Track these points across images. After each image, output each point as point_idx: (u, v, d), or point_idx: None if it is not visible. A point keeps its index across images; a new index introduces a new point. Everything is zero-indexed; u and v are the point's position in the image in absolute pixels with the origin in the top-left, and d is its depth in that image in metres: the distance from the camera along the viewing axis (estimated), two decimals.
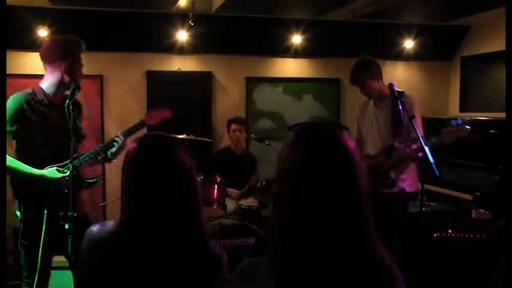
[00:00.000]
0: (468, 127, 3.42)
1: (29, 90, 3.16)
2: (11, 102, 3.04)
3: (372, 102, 4.17)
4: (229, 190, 4.95)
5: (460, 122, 3.47)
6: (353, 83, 4.11)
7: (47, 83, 3.19)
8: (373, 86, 4.01)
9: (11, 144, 3.06)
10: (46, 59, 3.19)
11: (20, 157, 3.04)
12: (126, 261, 1.58)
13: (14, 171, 3.02)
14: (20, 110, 3.04)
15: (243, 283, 1.39)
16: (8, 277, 4.70)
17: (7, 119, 2.95)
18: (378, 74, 4.02)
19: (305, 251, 1.28)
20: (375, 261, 1.30)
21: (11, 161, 2.97)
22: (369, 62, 4.05)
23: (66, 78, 3.17)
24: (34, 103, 3.10)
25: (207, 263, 1.62)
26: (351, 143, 1.34)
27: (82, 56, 3.25)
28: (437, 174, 3.19)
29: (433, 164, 3.21)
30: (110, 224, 1.69)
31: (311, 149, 1.32)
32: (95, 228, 1.72)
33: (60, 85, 3.18)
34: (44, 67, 3.23)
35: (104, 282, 1.60)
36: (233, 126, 5.34)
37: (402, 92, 3.97)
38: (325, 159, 1.30)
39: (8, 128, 2.97)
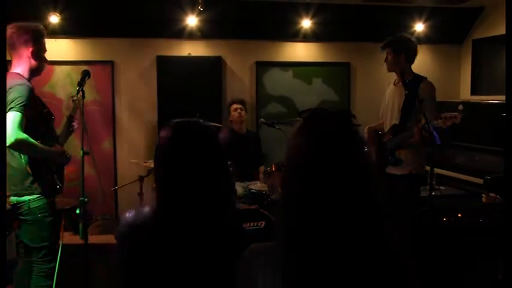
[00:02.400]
0: (462, 114, 3.56)
1: (20, 76, 3.22)
2: (24, 89, 3.09)
3: (393, 81, 4.32)
4: (254, 184, 4.96)
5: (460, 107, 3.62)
6: (381, 49, 4.24)
7: (21, 70, 3.25)
8: (394, 61, 4.13)
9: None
10: (13, 45, 3.24)
11: None
12: (162, 248, 1.59)
13: (36, 149, 3.12)
14: (32, 96, 3.13)
15: (248, 268, 1.40)
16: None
17: (26, 103, 3.03)
18: (403, 53, 4.11)
19: (312, 238, 1.28)
20: (386, 248, 1.31)
21: (31, 139, 3.07)
22: (401, 39, 4.18)
23: (34, 63, 3.26)
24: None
25: (241, 247, 1.61)
26: (357, 129, 1.35)
27: (45, 42, 3.36)
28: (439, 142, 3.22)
29: (437, 137, 3.24)
30: (145, 210, 1.69)
31: (319, 135, 1.32)
32: (130, 214, 1.73)
33: (30, 71, 3.27)
34: (10, 54, 3.27)
35: (140, 267, 1.62)
36: (234, 106, 5.43)
37: (422, 77, 4.04)
38: (333, 145, 1.30)
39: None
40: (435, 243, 3.86)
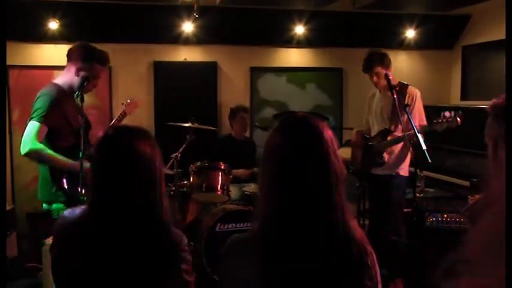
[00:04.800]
0: (459, 119, 3.62)
1: (53, 86, 3.30)
2: (47, 99, 3.16)
3: (378, 90, 4.44)
4: (236, 171, 5.04)
5: (452, 113, 3.65)
6: (365, 71, 4.34)
7: (60, 81, 3.35)
8: (382, 75, 4.18)
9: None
10: (67, 57, 3.39)
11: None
12: (90, 245, 1.69)
13: (51, 160, 3.13)
14: (56, 106, 3.17)
15: (230, 257, 1.54)
16: (25, 259, 4.92)
17: (46, 113, 3.10)
18: (389, 66, 4.27)
19: (283, 226, 1.44)
20: (348, 237, 1.46)
21: (46, 150, 3.11)
22: (382, 53, 4.32)
23: (75, 82, 3.32)
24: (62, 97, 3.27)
25: (167, 245, 1.73)
26: (328, 131, 1.50)
27: (99, 69, 3.41)
28: (429, 160, 3.35)
29: (426, 151, 3.37)
30: (80, 209, 1.81)
31: (289, 134, 1.49)
32: (66, 212, 1.86)
33: (71, 86, 3.34)
34: (66, 65, 3.42)
35: (70, 262, 1.72)
36: (243, 115, 5.51)
37: (407, 85, 4.19)
38: (301, 143, 1.47)
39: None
40: (420, 243, 3.99)
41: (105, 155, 1.77)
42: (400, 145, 4.23)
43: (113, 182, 1.73)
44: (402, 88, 4.19)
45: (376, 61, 4.25)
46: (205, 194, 4.54)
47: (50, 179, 3.20)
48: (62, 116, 3.21)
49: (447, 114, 3.67)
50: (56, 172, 3.19)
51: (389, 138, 4.24)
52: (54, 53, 5.74)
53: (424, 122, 4.08)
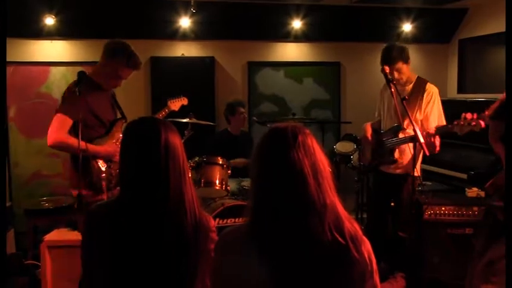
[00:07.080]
0: (482, 122, 3.36)
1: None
2: (71, 91, 3.28)
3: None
4: (234, 161, 5.01)
5: (475, 116, 3.41)
6: (386, 63, 4.04)
7: (92, 73, 3.51)
8: (403, 70, 4.12)
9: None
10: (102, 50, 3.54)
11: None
12: (121, 231, 1.77)
13: (75, 149, 3.18)
14: (78, 98, 3.22)
15: (225, 249, 1.62)
16: (23, 256, 4.91)
17: (68, 106, 3.25)
18: (408, 60, 4.16)
19: (275, 218, 1.52)
20: (341, 227, 1.53)
21: (69, 140, 3.25)
22: (402, 47, 4.17)
23: (101, 73, 3.51)
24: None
25: (197, 228, 1.83)
26: (311, 138, 1.61)
27: (123, 69, 3.52)
28: (427, 153, 3.34)
29: (423, 144, 3.35)
30: (109, 200, 1.88)
31: (272, 140, 1.61)
32: (99, 202, 1.93)
33: (98, 79, 3.51)
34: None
35: (101, 249, 1.79)
36: (241, 110, 5.50)
37: (426, 81, 4.15)
38: (281, 147, 1.57)
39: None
40: (418, 235, 4.00)
41: (137, 146, 1.84)
42: (413, 144, 3.89)
43: (142, 171, 1.80)
44: (420, 84, 4.13)
45: (398, 56, 4.09)
46: (204, 189, 4.54)
47: (73, 166, 3.36)
48: (86, 108, 3.29)
49: (468, 116, 3.43)
50: (77, 160, 3.26)
51: (400, 135, 4.10)
52: (51, 49, 5.74)
53: (444, 122, 3.98)
